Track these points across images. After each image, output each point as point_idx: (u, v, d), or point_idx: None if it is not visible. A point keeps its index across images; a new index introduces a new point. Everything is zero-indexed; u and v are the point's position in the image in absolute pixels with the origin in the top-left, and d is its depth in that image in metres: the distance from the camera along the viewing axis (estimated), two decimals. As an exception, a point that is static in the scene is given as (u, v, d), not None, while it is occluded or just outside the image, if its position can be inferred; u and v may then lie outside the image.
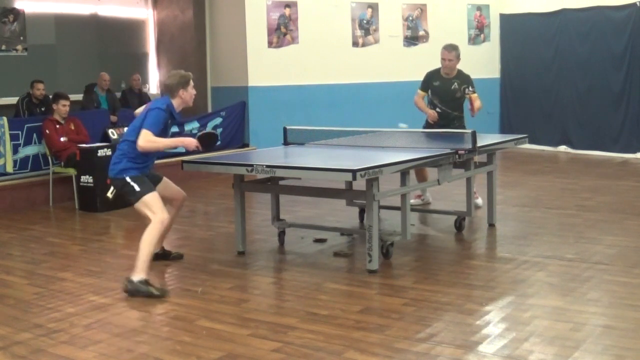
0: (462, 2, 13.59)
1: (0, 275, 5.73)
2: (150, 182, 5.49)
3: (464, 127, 7.48)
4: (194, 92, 5.60)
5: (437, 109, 7.52)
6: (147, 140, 5.27)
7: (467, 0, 13.65)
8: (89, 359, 3.96)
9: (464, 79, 7.45)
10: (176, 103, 5.51)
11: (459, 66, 7.57)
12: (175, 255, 6.06)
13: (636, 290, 4.93)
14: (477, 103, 7.42)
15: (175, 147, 5.66)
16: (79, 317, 4.63)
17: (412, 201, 7.80)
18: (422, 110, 7.61)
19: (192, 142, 5.50)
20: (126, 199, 5.48)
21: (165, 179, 5.80)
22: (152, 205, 5.30)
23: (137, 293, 5.04)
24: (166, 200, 5.62)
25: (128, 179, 5.35)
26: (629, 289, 4.94)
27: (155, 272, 5.85)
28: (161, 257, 5.95)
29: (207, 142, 5.79)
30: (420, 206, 7.82)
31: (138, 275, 5.09)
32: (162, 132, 5.43)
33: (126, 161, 5.39)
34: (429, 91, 7.57)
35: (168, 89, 5.52)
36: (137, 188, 5.34)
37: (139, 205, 5.34)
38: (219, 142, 5.80)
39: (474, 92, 7.44)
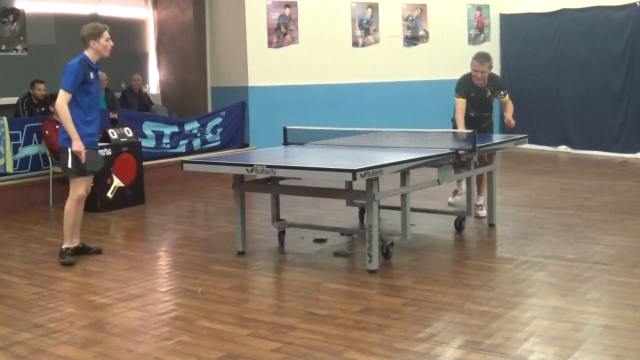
0: (462, 2, 13.58)
1: (0, 275, 5.73)
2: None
3: (492, 124, 7.53)
4: (108, 43, 5.95)
5: (471, 114, 7.34)
6: (59, 103, 5.73)
7: (467, 0, 13.65)
8: (88, 359, 3.96)
9: (496, 85, 7.33)
10: (90, 54, 5.91)
11: None
12: (94, 250, 6.24)
13: (636, 290, 4.93)
14: (510, 109, 7.33)
15: (69, 138, 5.82)
16: (79, 317, 4.64)
17: (450, 200, 7.82)
18: (458, 126, 7.22)
19: (79, 148, 5.77)
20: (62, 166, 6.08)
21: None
22: (80, 182, 5.94)
23: (60, 258, 5.95)
24: None
25: (69, 151, 5.82)
26: (629, 289, 4.94)
27: (154, 272, 5.87)
28: (80, 251, 6.14)
29: (92, 160, 5.98)
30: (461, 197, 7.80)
31: (64, 244, 6.00)
32: (86, 86, 5.78)
33: (82, 130, 5.80)
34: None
35: (82, 41, 5.92)
36: (68, 164, 5.85)
37: (70, 178, 5.98)
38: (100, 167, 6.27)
39: (505, 94, 7.36)
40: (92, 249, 6.25)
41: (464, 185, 7.84)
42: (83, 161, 5.81)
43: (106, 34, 5.92)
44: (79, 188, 5.96)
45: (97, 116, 6.06)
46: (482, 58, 7.18)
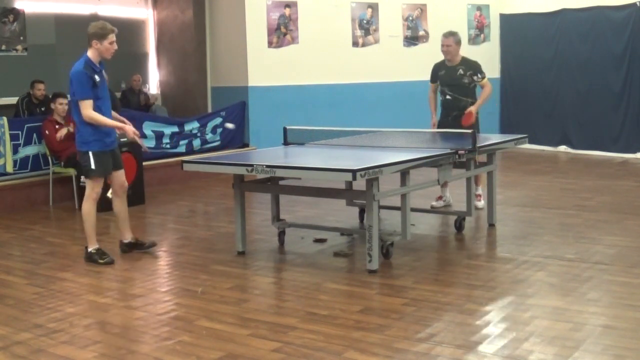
0: (462, 2, 13.59)
1: (0, 275, 5.73)
2: (112, 161, 5.94)
3: (476, 118, 7.54)
4: (112, 47, 5.79)
5: (447, 97, 7.59)
6: (87, 114, 5.67)
7: (467, 0, 13.65)
8: (89, 359, 3.96)
9: (470, 66, 7.52)
10: (92, 54, 5.77)
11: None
12: (149, 244, 6.27)
13: (636, 290, 4.93)
14: (484, 96, 7.47)
15: (116, 129, 5.91)
16: (79, 317, 4.64)
17: (434, 203, 7.83)
18: (430, 108, 7.80)
19: (130, 130, 5.79)
20: (82, 169, 6.12)
21: (122, 170, 6.13)
22: (96, 184, 5.91)
23: (90, 260, 5.90)
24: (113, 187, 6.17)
25: (90, 154, 5.81)
26: (629, 289, 4.94)
27: (154, 272, 5.87)
28: (133, 246, 6.21)
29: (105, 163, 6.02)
30: (443, 208, 7.79)
31: (90, 246, 5.96)
32: (94, 90, 5.71)
33: (83, 132, 5.80)
34: (438, 82, 7.67)
35: (87, 39, 5.79)
36: (92, 166, 5.85)
37: (87, 180, 5.97)
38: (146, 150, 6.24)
39: (482, 78, 7.51)
40: (146, 244, 6.28)
41: (448, 193, 7.91)
42: (138, 140, 5.89)
43: (112, 37, 5.78)
44: (97, 187, 5.94)
45: (109, 115, 6.00)
46: (447, 33, 7.60)
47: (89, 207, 5.96)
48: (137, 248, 6.24)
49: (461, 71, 7.48)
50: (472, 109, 7.35)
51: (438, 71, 7.65)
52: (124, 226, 6.22)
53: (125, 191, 6.19)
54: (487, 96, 7.55)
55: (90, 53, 5.81)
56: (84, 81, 5.68)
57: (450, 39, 7.48)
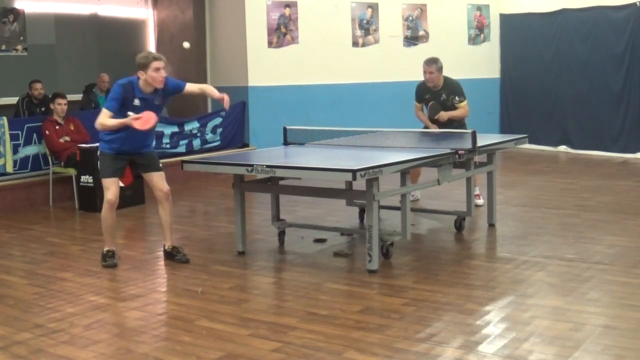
0: (462, 2, 13.58)
1: (0, 275, 5.73)
2: (143, 165, 5.87)
3: (464, 127, 7.64)
4: (158, 74, 5.61)
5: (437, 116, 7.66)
6: (98, 120, 5.65)
7: (467, 0, 13.64)
8: (88, 359, 3.96)
9: (451, 89, 7.62)
10: (141, 83, 5.69)
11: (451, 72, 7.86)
12: (179, 258, 5.95)
13: (636, 290, 4.93)
14: (457, 113, 7.54)
15: (124, 126, 5.63)
16: (79, 317, 4.64)
17: None
18: (423, 123, 7.82)
19: (132, 120, 5.57)
20: None
21: (155, 173, 5.92)
22: (105, 188, 5.79)
23: (101, 261, 5.88)
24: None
25: (98, 153, 5.90)
26: (629, 289, 4.94)
27: (154, 272, 5.87)
28: (169, 255, 6.00)
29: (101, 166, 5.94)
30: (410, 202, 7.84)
31: (104, 247, 5.92)
32: (125, 109, 5.59)
33: (101, 135, 5.84)
34: (424, 104, 7.77)
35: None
36: (98, 166, 5.92)
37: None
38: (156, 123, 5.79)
39: (461, 101, 7.59)
40: (178, 255, 5.95)
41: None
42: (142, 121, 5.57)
43: (155, 64, 5.56)
44: (107, 192, 5.74)
45: (136, 139, 5.77)
46: (430, 60, 7.65)
47: (103, 211, 5.80)
48: (170, 258, 5.97)
49: (444, 95, 7.60)
50: (444, 114, 7.49)
51: (423, 94, 7.72)
52: (164, 234, 6.00)
53: (166, 197, 5.89)
54: (459, 116, 7.61)
55: (140, 80, 5.66)
56: (113, 94, 5.62)
57: (433, 66, 7.55)
